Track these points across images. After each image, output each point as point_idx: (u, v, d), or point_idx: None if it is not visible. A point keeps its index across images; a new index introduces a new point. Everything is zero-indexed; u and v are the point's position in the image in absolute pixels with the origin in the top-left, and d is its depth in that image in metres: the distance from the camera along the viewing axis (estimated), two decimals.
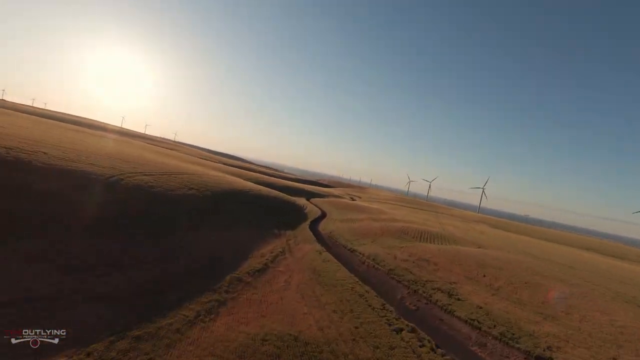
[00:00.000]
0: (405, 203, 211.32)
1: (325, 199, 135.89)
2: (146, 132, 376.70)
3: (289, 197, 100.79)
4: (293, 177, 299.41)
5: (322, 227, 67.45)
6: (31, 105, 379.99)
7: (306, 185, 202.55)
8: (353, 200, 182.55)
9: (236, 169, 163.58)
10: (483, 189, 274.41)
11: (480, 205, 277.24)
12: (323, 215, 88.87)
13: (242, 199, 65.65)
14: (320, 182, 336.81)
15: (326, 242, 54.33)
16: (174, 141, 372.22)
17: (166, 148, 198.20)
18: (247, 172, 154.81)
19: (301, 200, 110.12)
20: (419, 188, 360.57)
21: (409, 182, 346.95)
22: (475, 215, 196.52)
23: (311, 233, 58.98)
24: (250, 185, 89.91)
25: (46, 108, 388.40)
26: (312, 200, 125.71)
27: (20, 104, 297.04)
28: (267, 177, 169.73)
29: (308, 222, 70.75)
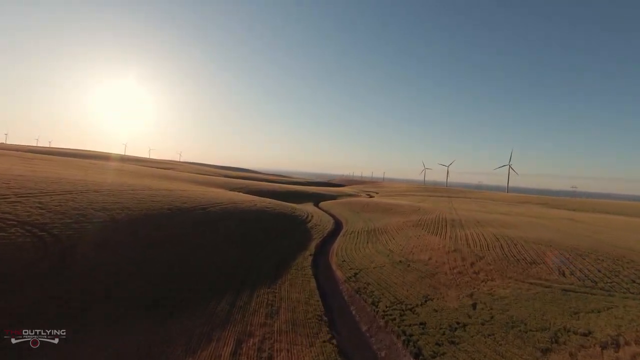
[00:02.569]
0: (429, 192, 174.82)
1: (338, 201, 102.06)
2: (150, 157, 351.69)
3: (288, 205, 67.53)
4: (303, 180, 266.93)
5: (337, 257, 33.92)
6: (35, 145, 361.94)
7: (316, 187, 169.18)
8: (370, 197, 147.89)
9: (229, 179, 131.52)
10: (510, 165, 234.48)
11: (508, 185, 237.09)
12: (337, 226, 55.09)
13: (168, 227, 32.47)
14: (331, 182, 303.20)
15: (352, 324, 20.28)
16: (179, 161, 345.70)
17: (161, 168, 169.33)
18: (240, 180, 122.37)
19: (306, 208, 76.78)
20: (434, 176, 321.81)
21: (424, 169, 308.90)
22: (516, 196, 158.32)
23: (314, 285, 25.23)
24: (227, 197, 57.08)
25: (50, 146, 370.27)
26: (322, 204, 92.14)
27: (22, 145, 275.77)
28: (268, 184, 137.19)
29: (311, 248, 37.20)
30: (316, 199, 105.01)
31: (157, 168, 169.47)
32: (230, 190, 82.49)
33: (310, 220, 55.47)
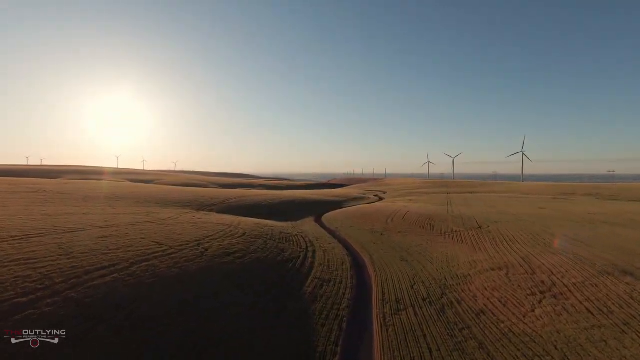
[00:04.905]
0: (445, 188, 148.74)
1: (346, 209, 75.95)
2: (144, 168, 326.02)
3: (275, 231, 41.07)
4: (302, 183, 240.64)
5: None
6: (26, 164, 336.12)
7: (316, 191, 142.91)
8: (380, 199, 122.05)
9: (211, 189, 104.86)
10: (523, 152, 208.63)
11: (523, 173, 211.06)
12: (359, 279, 28.27)
13: None
14: (331, 183, 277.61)
15: None
16: (172, 171, 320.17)
17: (141, 181, 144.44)
18: (223, 191, 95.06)
19: (304, 228, 50.61)
20: (440, 168, 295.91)
21: (428, 162, 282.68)
22: (553, 186, 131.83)
23: None
24: (158, 237, 31.52)
25: (42, 164, 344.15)
26: (326, 217, 65.94)
27: (11, 165, 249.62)
28: (257, 192, 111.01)
29: None
30: (317, 209, 78.73)
31: (135, 182, 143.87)
32: (197, 210, 56.23)
33: (311, 269, 29.12)
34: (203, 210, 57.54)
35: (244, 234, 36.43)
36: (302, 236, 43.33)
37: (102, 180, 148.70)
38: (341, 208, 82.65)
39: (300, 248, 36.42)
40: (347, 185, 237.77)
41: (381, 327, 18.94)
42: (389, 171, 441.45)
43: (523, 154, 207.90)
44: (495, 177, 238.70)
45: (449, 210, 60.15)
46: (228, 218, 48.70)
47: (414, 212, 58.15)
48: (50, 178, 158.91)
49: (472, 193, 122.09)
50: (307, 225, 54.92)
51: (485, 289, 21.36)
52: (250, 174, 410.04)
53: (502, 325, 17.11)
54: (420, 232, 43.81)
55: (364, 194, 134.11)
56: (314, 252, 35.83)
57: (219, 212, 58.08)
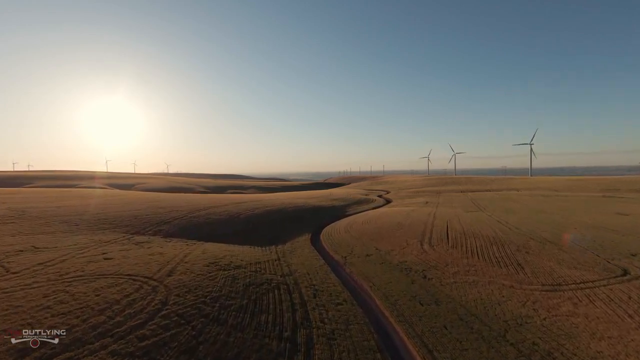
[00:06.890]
0: (456, 186, 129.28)
1: (351, 219, 55.83)
2: (135, 171, 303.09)
3: (227, 295, 21.39)
4: (296, 184, 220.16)
5: None
6: (12, 170, 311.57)
7: (312, 192, 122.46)
8: (387, 201, 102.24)
9: (182, 194, 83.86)
10: (531, 144, 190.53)
11: (531, 167, 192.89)
12: None
13: None
14: (328, 182, 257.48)
15: None
16: (161, 173, 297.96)
17: (114, 187, 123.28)
18: (191, 198, 74.12)
19: (294, 259, 30.46)
20: (441, 164, 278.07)
21: (428, 157, 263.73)
22: (578, 180, 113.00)
23: None
24: None
25: (29, 169, 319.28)
26: (327, 234, 45.86)
27: None
28: (239, 197, 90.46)
29: None
30: (314, 219, 58.45)
31: (118, 187, 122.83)
32: (134, 234, 35.70)
33: None
34: (145, 233, 36.96)
35: (157, 310, 16.13)
36: (287, 289, 23.21)
37: (71, 187, 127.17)
38: (345, 217, 62.59)
39: (279, 339, 16.27)
40: (344, 184, 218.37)
41: None
42: (386, 168, 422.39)
43: (531, 147, 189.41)
44: (504, 171, 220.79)
45: (508, 226, 40.22)
46: (169, 250, 28.32)
47: (457, 229, 38.07)
48: (17, 186, 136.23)
49: (490, 191, 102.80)
50: (299, 255, 34.62)
51: None
52: (245, 174, 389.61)
53: None
54: (497, 275, 23.84)
55: (366, 195, 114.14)
56: (309, 350, 15.72)
57: (168, 234, 37.50)
